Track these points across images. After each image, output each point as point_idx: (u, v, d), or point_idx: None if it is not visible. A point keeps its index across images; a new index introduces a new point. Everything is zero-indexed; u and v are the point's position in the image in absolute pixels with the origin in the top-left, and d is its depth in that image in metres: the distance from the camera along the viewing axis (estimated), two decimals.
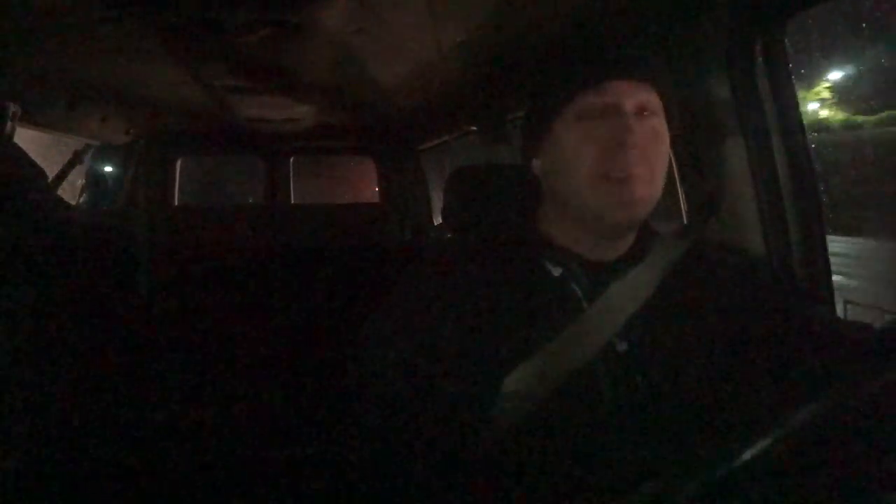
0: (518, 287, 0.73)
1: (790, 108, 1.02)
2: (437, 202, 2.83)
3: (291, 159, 2.94)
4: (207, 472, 1.77)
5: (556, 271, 0.75)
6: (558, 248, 0.76)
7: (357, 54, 1.45)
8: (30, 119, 1.82)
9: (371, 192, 3.23)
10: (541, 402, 0.66)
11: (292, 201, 2.96)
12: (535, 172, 0.79)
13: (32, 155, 1.60)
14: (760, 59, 1.01)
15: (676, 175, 1.15)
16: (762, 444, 0.36)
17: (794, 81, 1.02)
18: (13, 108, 1.58)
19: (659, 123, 0.71)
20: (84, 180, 2.67)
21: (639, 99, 0.70)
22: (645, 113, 0.70)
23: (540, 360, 0.68)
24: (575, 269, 0.74)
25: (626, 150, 0.68)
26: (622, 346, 0.70)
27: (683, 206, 1.17)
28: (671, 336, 0.71)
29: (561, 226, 0.77)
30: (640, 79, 0.70)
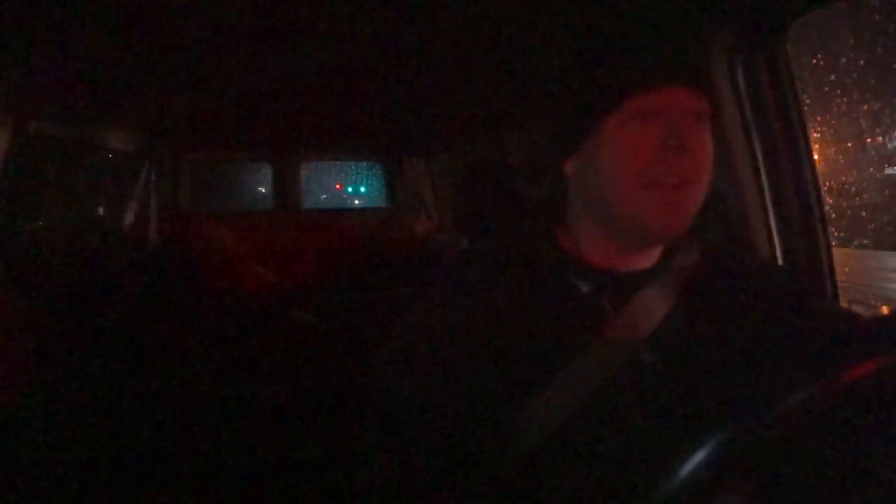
0: (545, 304, 0.71)
1: (792, 111, 1.03)
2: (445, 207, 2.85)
3: (301, 165, 2.96)
4: (211, 475, 1.78)
5: (585, 287, 0.72)
6: (585, 261, 0.73)
7: (367, 59, 1.47)
8: (34, 126, 1.85)
9: None
10: (567, 416, 0.65)
11: (302, 208, 2.99)
12: (567, 173, 0.74)
13: None
14: (763, 63, 1.03)
15: None
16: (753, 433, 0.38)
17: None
18: None
19: (708, 133, 0.69)
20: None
21: (694, 104, 0.67)
22: (699, 120, 0.68)
23: (567, 375, 0.66)
24: (604, 283, 0.72)
25: (681, 155, 0.65)
26: (649, 357, 0.69)
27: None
28: (696, 344, 0.69)
29: (589, 235, 0.74)
30: (695, 85, 0.68)
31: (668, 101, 0.67)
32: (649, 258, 0.75)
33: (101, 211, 2.63)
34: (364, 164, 3.56)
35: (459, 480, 0.68)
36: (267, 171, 3.07)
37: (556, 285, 0.72)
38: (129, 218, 2.61)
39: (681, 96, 0.67)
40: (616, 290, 0.72)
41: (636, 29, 1.15)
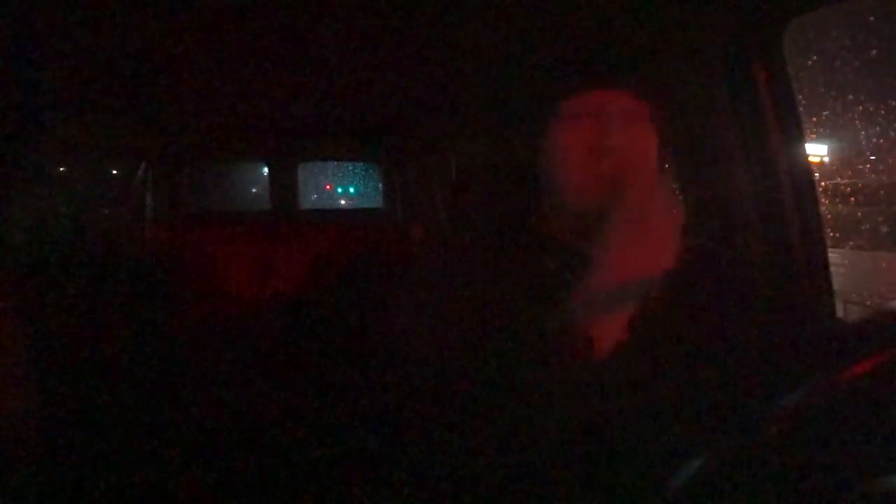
0: (515, 280, 0.75)
1: (788, 112, 1.04)
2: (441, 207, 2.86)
3: (299, 166, 2.96)
4: (212, 476, 1.78)
5: (552, 263, 0.77)
6: (556, 241, 0.79)
7: (363, 59, 1.48)
8: (33, 127, 1.84)
9: None
10: (540, 391, 0.68)
11: (300, 208, 2.98)
12: (540, 164, 0.81)
13: None
14: (759, 63, 1.03)
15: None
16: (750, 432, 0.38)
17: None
18: None
19: (642, 130, 0.75)
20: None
21: (621, 105, 0.73)
22: (626, 119, 0.73)
23: (537, 350, 0.70)
24: (571, 261, 0.76)
25: (609, 156, 0.72)
26: (623, 337, 0.71)
27: (683, 210, 1.19)
28: (674, 329, 0.72)
29: (559, 219, 0.80)
30: (626, 86, 0.75)
31: (595, 102, 0.74)
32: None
33: (98, 212, 2.62)
34: (357, 165, 3.57)
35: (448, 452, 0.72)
36: (263, 172, 3.06)
37: (525, 262, 0.78)
38: (126, 219, 2.61)
39: (607, 98, 0.74)
40: (583, 269, 0.76)
41: (634, 33, 1.15)
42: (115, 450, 1.74)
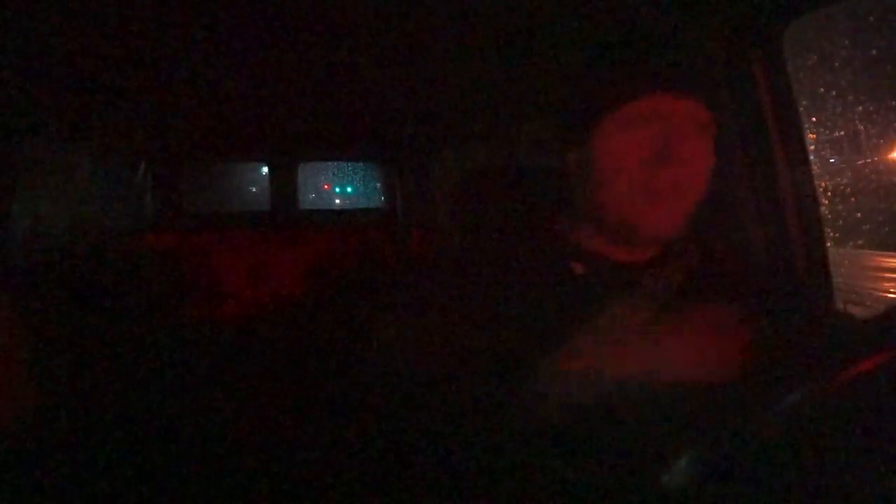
0: (541, 283, 0.73)
1: (788, 113, 1.04)
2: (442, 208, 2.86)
3: (299, 167, 2.96)
4: (211, 476, 1.78)
5: (579, 269, 0.75)
6: (583, 248, 0.76)
7: (365, 59, 1.48)
8: (33, 126, 1.84)
9: None
10: (561, 398, 0.66)
11: (300, 208, 2.98)
12: (570, 164, 0.76)
13: None
14: (759, 65, 1.03)
15: None
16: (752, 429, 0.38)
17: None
18: None
19: (707, 141, 0.70)
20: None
21: (691, 113, 0.68)
22: (696, 129, 0.69)
23: (560, 357, 0.68)
24: (599, 268, 0.75)
25: (672, 167, 0.67)
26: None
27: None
28: (690, 334, 0.70)
29: (587, 223, 0.76)
30: (694, 94, 0.69)
31: (663, 109, 0.67)
32: (647, 251, 0.77)
33: (97, 213, 2.62)
34: (356, 165, 3.56)
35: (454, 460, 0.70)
36: (262, 172, 3.07)
37: (551, 266, 0.75)
38: (126, 220, 2.60)
39: (677, 105, 0.68)
40: (610, 275, 0.74)
41: (636, 32, 1.15)
42: (114, 450, 1.75)
